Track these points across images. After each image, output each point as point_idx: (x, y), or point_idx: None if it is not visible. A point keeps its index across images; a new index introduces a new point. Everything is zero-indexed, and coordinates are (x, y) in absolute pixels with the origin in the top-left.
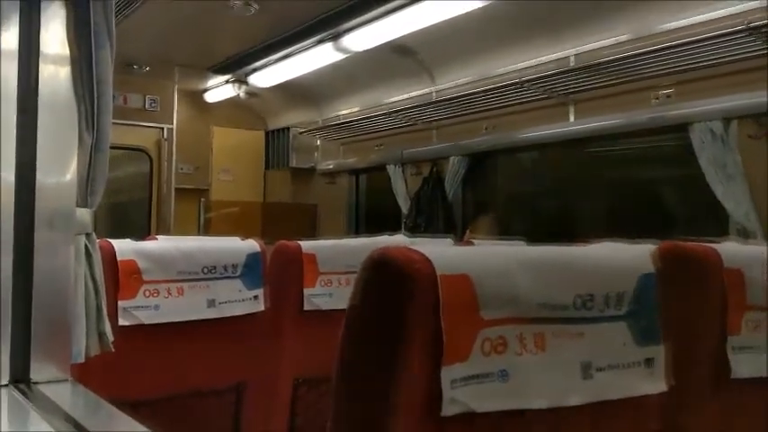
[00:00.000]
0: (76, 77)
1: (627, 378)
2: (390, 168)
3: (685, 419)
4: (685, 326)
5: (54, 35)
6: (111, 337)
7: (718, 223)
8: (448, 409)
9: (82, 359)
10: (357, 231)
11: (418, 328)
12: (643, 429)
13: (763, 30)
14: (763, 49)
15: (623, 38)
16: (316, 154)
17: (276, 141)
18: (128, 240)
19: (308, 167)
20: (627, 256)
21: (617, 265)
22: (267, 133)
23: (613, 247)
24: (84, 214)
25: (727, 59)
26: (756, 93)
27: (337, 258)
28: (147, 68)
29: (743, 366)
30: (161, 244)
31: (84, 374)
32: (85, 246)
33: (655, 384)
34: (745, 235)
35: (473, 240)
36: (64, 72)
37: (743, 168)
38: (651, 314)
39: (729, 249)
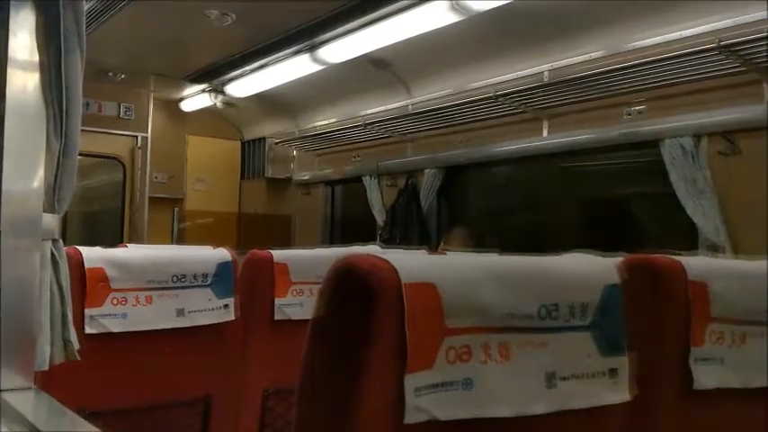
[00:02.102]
0: (45, 82)
1: (591, 388)
2: (366, 180)
3: (648, 429)
4: (649, 337)
5: (23, 40)
6: (76, 345)
7: (689, 238)
8: (411, 417)
9: (46, 367)
10: (332, 243)
11: (383, 336)
12: None
13: (734, 48)
14: (734, 66)
15: (596, 54)
16: (292, 165)
17: (252, 151)
18: (96, 248)
19: (284, 178)
20: (592, 268)
21: (582, 275)
22: (243, 143)
23: (580, 258)
24: (51, 220)
25: (698, 77)
26: (726, 110)
27: (309, 268)
28: (123, 76)
29: (706, 378)
30: (130, 252)
31: (49, 383)
32: (52, 252)
33: (618, 394)
34: (714, 250)
35: (446, 252)
36: (33, 77)
37: (713, 184)
38: (616, 325)
39: (694, 262)
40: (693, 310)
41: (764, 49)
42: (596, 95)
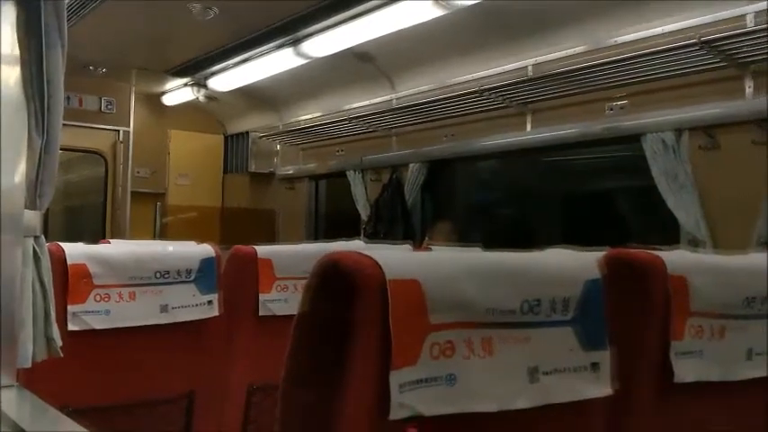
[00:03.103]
0: (26, 77)
1: (573, 382)
2: (350, 174)
3: (630, 422)
4: (630, 331)
5: (4, 35)
6: (59, 342)
7: (672, 233)
8: (396, 413)
9: (28, 364)
10: (316, 238)
11: (367, 332)
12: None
13: (714, 44)
14: (715, 62)
15: (579, 49)
16: (275, 159)
17: (235, 146)
18: (79, 244)
19: (268, 172)
20: (574, 263)
21: (564, 270)
22: (226, 137)
23: (561, 253)
24: (33, 217)
25: (679, 72)
26: (707, 105)
27: (293, 264)
28: (104, 70)
29: (686, 371)
30: (113, 248)
31: (32, 380)
32: (34, 249)
33: (600, 388)
34: (695, 244)
35: (431, 247)
36: (13, 72)
37: (693, 179)
38: (597, 319)
39: (674, 257)
40: (673, 304)
41: (744, 45)
42: (579, 90)
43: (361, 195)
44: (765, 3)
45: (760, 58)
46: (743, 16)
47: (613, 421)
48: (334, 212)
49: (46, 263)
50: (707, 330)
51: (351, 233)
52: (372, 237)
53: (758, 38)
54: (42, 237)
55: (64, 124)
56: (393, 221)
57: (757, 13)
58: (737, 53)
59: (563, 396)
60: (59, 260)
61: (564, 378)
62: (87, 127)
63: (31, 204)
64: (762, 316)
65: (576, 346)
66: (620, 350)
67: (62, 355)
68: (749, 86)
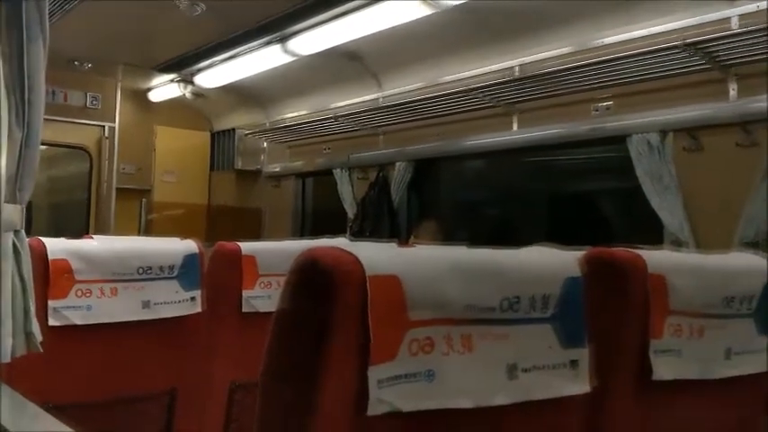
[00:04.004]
0: (7, 71)
1: (552, 379)
2: (337, 173)
3: (608, 420)
4: (610, 329)
5: None
6: (39, 337)
7: (656, 234)
8: (374, 409)
9: (8, 359)
10: (303, 236)
11: (346, 328)
12: (567, 429)
13: (699, 46)
14: (699, 64)
15: (566, 50)
16: (262, 156)
17: (222, 143)
18: (61, 239)
19: (254, 170)
20: (554, 261)
21: (544, 268)
22: (213, 134)
23: (542, 251)
24: (13, 211)
25: (664, 74)
26: (691, 107)
27: (277, 260)
28: (90, 65)
29: (664, 369)
30: (95, 243)
31: (12, 376)
32: (14, 243)
33: (579, 385)
34: (678, 245)
35: (416, 245)
36: None
37: (677, 180)
38: (576, 317)
39: (654, 256)
40: (652, 302)
41: (728, 47)
42: (565, 91)
43: (348, 194)
44: (749, 6)
45: (743, 60)
46: (727, 19)
47: (591, 418)
48: (321, 211)
49: (26, 257)
50: (686, 329)
51: (337, 231)
52: (358, 235)
53: (742, 41)
54: (23, 231)
55: (48, 119)
56: (379, 220)
57: (741, 16)
58: (721, 56)
59: (541, 393)
60: (41, 255)
61: (542, 375)
62: (72, 122)
63: (11, 198)
64: (740, 315)
65: (556, 343)
66: (599, 348)
67: (42, 350)
68: (733, 89)
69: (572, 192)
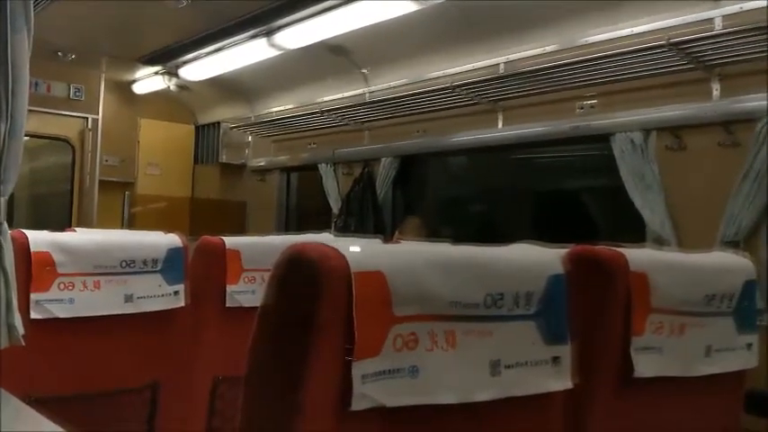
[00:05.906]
0: None
1: (534, 375)
2: (322, 167)
3: (590, 416)
4: (592, 326)
5: None
6: (21, 330)
7: (639, 232)
8: (358, 404)
9: None
10: (287, 230)
11: (330, 323)
12: (549, 424)
13: (682, 46)
14: (683, 64)
15: (551, 48)
16: (247, 150)
17: (206, 136)
18: (43, 232)
19: (239, 164)
20: (538, 258)
21: (527, 265)
22: (197, 128)
23: (525, 248)
24: None
25: (648, 73)
26: (675, 106)
27: (262, 255)
28: (73, 56)
29: (646, 366)
30: (78, 236)
31: None
32: None
33: (561, 382)
34: (660, 243)
35: (401, 241)
36: None
37: (660, 179)
38: (559, 314)
39: (636, 254)
40: (634, 300)
41: (711, 47)
42: (550, 89)
43: (333, 189)
44: (732, 7)
45: (727, 61)
46: (711, 20)
47: (574, 414)
48: (306, 205)
49: (8, 250)
50: (667, 327)
51: (322, 227)
52: (343, 230)
53: (725, 41)
54: (5, 224)
55: (31, 110)
56: (364, 215)
57: (725, 17)
58: (705, 56)
59: (524, 389)
60: (23, 248)
61: (525, 371)
62: (55, 114)
63: None
64: (721, 314)
65: (538, 340)
66: (581, 345)
67: (24, 343)
68: (716, 89)
69: (556, 189)
